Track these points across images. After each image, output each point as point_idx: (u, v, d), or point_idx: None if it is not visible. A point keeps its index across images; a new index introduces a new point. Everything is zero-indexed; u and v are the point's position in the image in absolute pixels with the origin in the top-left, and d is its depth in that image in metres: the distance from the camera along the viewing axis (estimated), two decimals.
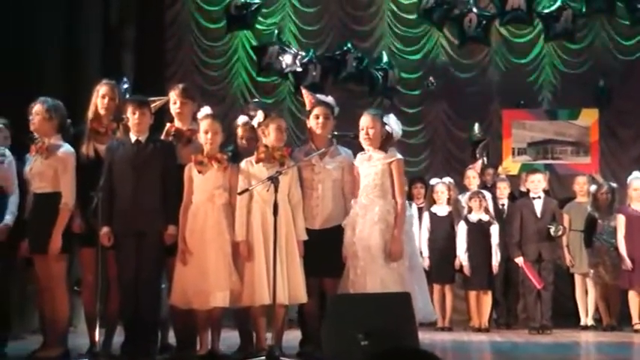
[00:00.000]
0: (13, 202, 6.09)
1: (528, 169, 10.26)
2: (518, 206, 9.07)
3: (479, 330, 8.86)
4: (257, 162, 5.88)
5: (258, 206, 5.81)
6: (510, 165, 11.18)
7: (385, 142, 6.02)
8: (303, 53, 11.45)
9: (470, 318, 9.15)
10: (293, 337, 6.43)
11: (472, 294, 9.03)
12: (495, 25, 11.59)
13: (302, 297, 5.81)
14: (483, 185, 9.68)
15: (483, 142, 11.00)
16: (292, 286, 5.73)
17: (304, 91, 6.80)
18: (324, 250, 5.87)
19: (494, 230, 8.95)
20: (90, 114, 6.11)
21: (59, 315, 5.99)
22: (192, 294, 5.77)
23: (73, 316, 6.30)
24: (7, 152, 6.19)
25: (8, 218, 6.01)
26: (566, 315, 9.47)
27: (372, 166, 5.96)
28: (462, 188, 9.59)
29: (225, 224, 5.83)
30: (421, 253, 8.32)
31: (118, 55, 11.21)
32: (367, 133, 5.99)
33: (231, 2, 11.57)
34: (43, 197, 5.93)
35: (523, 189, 9.37)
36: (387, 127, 6.04)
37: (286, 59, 11.34)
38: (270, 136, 5.91)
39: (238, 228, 5.79)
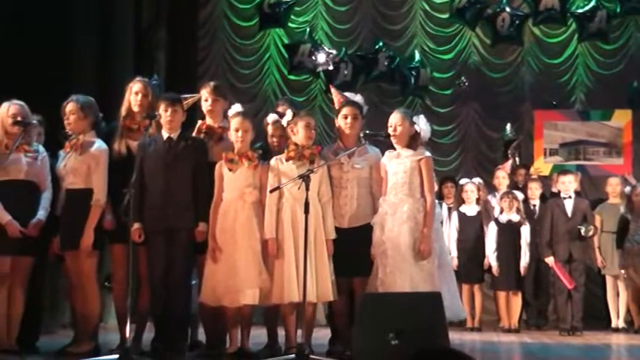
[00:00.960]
0: (46, 198, 6.13)
1: (560, 170, 10.18)
2: (549, 206, 9.02)
3: (509, 331, 8.83)
4: (287, 160, 5.89)
5: (289, 204, 5.82)
6: (542, 166, 11.10)
7: (412, 141, 6.01)
8: (335, 52, 11.45)
9: (499, 318, 9.11)
10: (322, 335, 6.44)
11: (501, 294, 9.00)
12: (528, 24, 11.52)
13: (330, 295, 5.80)
14: (514, 186, 9.64)
15: (515, 143, 10.94)
16: (320, 284, 5.73)
17: (333, 90, 6.80)
18: (353, 248, 5.87)
19: (525, 231, 8.91)
20: (123, 111, 6.15)
21: (90, 311, 6.03)
22: (222, 291, 5.78)
23: (103, 312, 6.34)
24: (41, 148, 6.24)
25: (41, 214, 6.05)
26: (597, 317, 9.41)
27: (400, 163, 5.95)
28: (492, 188, 9.55)
29: (256, 222, 5.84)
30: (449, 252, 8.29)
31: (151, 52, 11.30)
32: (395, 130, 5.99)
33: (264, 0, 11.60)
34: (75, 193, 5.97)
35: (554, 190, 9.31)
36: (415, 127, 6.03)
37: (319, 58, 11.34)
38: (298, 134, 5.92)
39: (267, 226, 5.80)
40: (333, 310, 6.22)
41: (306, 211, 5.55)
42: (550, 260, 8.78)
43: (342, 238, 5.88)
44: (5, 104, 6.08)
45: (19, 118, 6.02)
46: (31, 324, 6.39)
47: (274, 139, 6.29)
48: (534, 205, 9.40)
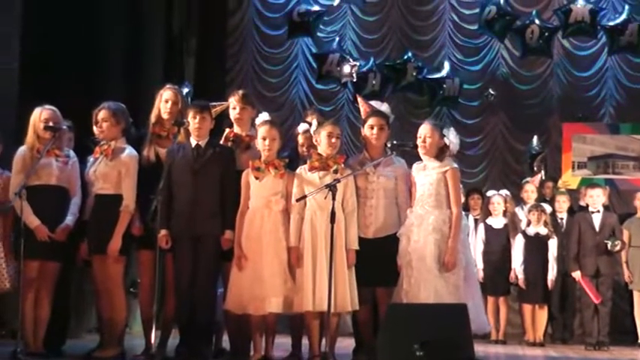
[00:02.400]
0: (75, 203, 6.16)
1: (588, 183, 10.11)
2: (577, 220, 8.96)
3: (534, 344, 8.78)
4: (310, 170, 5.90)
5: (310, 213, 5.82)
6: (570, 179, 11.03)
7: (441, 153, 5.99)
8: (362, 62, 11.45)
9: (525, 332, 9.06)
10: (347, 345, 6.43)
11: (527, 307, 8.95)
12: (558, 37, 11.45)
13: (348, 305, 5.78)
14: (542, 198, 9.59)
15: (541, 156, 10.89)
16: (339, 294, 5.71)
17: (360, 100, 6.80)
18: (378, 259, 5.86)
19: (553, 244, 8.86)
20: (152, 118, 6.19)
21: (116, 316, 6.06)
22: (247, 299, 5.79)
23: (128, 317, 6.37)
24: (72, 153, 6.28)
25: (69, 219, 6.08)
26: (624, 332, 9.31)
27: (427, 175, 5.94)
28: (519, 201, 9.51)
29: (282, 231, 5.85)
30: (475, 264, 8.26)
31: (180, 60, 11.38)
32: (424, 142, 5.97)
33: (293, 9, 11.63)
34: (104, 199, 6.01)
35: (582, 203, 9.25)
36: (445, 140, 6.01)
37: (344, 69, 11.34)
38: (321, 144, 5.93)
39: (292, 234, 5.81)
40: (357, 320, 6.21)
41: (332, 220, 5.56)
42: (577, 274, 8.72)
43: (366, 249, 5.87)
44: (38, 109, 6.13)
45: (50, 123, 6.06)
46: (58, 328, 6.43)
47: (304, 149, 6.29)
48: (562, 219, 9.34)
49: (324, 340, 5.81)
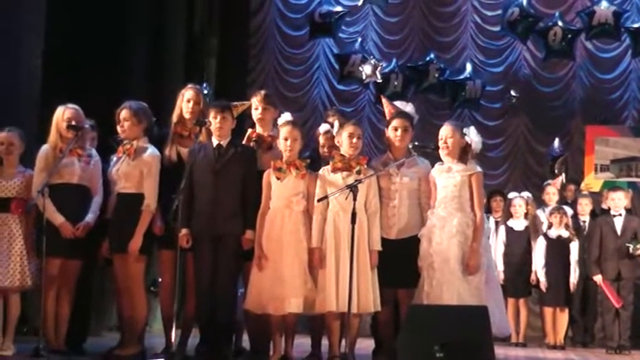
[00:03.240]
0: (96, 202, 6.19)
1: (610, 186, 10.04)
2: (598, 223, 8.90)
3: (554, 347, 8.73)
4: (333, 171, 5.89)
5: (332, 214, 5.82)
6: (592, 181, 10.97)
7: (463, 153, 5.98)
8: (384, 63, 11.43)
9: (545, 334, 9.01)
10: (366, 345, 6.43)
11: (548, 310, 8.91)
12: (581, 39, 11.39)
13: (371, 306, 5.77)
14: (563, 201, 9.54)
15: (562, 158, 10.83)
16: (361, 295, 5.71)
17: (384, 101, 6.78)
18: (399, 260, 5.85)
19: (574, 247, 8.82)
20: (174, 117, 6.20)
21: (137, 314, 6.08)
22: (267, 299, 5.79)
23: (148, 316, 6.39)
24: (94, 152, 6.31)
25: (90, 217, 6.11)
26: None
27: (450, 177, 5.92)
28: (540, 203, 9.47)
29: (303, 231, 5.84)
30: (496, 266, 8.23)
31: (202, 60, 11.42)
32: (445, 142, 5.96)
33: (315, 10, 11.64)
34: (126, 198, 6.03)
35: (604, 206, 9.19)
36: (466, 139, 5.99)
37: (366, 69, 11.33)
38: (343, 144, 5.92)
39: (314, 235, 5.81)
40: (377, 320, 6.20)
41: (353, 221, 5.55)
42: (598, 278, 8.66)
43: (388, 250, 5.85)
44: (60, 108, 6.16)
45: (73, 123, 6.09)
46: (79, 326, 6.47)
47: (325, 149, 6.29)
48: (584, 222, 9.29)
49: (343, 341, 5.80)
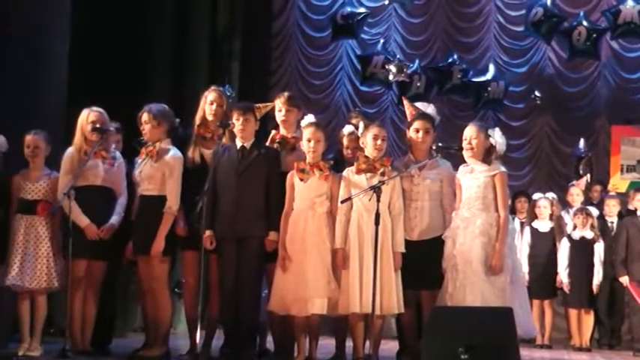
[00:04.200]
0: (120, 203, 6.23)
1: (637, 186, 9.96)
2: (625, 224, 8.83)
3: (580, 349, 8.67)
4: (357, 172, 5.88)
5: (356, 215, 5.82)
6: (618, 182, 10.89)
7: (488, 154, 5.95)
8: (409, 64, 11.41)
9: (570, 336, 8.95)
10: (391, 347, 6.41)
11: (573, 312, 8.85)
12: (606, 38, 11.30)
13: (395, 308, 5.77)
14: (589, 202, 9.47)
15: (586, 159, 10.76)
16: (385, 296, 5.70)
17: (405, 102, 6.78)
18: (422, 261, 5.84)
19: (599, 248, 8.75)
20: (197, 119, 6.22)
21: (161, 316, 6.10)
22: (290, 300, 5.80)
23: (173, 317, 6.41)
24: (118, 155, 6.34)
25: (114, 219, 6.15)
26: None
27: (474, 178, 5.90)
28: (565, 204, 9.41)
29: (326, 232, 5.85)
30: (520, 267, 8.18)
31: (225, 62, 11.45)
32: (470, 144, 5.94)
33: (338, 12, 11.64)
34: (149, 200, 6.05)
35: (631, 207, 9.11)
36: (491, 140, 5.97)
37: (392, 69, 11.28)
38: (367, 146, 5.91)
39: (338, 236, 5.81)
40: (401, 322, 6.19)
41: (377, 222, 5.55)
42: (625, 279, 8.59)
43: (411, 251, 5.85)
44: (85, 111, 6.20)
45: (98, 125, 6.13)
46: (105, 327, 6.51)
47: (349, 151, 6.28)
48: (612, 223, 9.22)
49: (367, 343, 5.80)
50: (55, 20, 8.02)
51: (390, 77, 11.04)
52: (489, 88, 11.27)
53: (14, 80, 7.67)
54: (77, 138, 6.17)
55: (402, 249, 5.82)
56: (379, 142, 5.89)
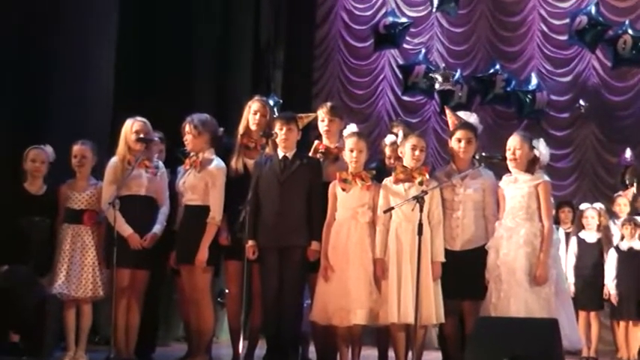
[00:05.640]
0: (163, 213, 6.25)
1: None
2: None
3: None
4: (395, 182, 5.87)
5: (395, 225, 5.80)
6: None
7: (531, 165, 5.91)
8: (454, 72, 11.35)
9: (617, 349, 8.83)
10: (433, 358, 6.38)
11: (620, 324, 8.72)
12: None
13: (433, 318, 5.74)
14: (636, 212, 9.34)
15: (631, 168, 10.61)
16: (424, 306, 5.67)
17: (448, 112, 6.75)
18: (464, 271, 5.81)
19: None
20: (241, 129, 6.25)
21: (204, 325, 6.12)
22: (332, 310, 5.79)
23: (215, 327, 6.43)
24: (161, 164, 6.38)
25: (157, 228, 6.17)
26: None
27: (518, 188, 5.86)
28: (612, 215, 9.29)
29: (368, 242, 5.84)
30: (566, 278, 8.09)
31: (268, 71, 11.51)
32: (514, 154, 5.90)
33: (380, 21, 11.63)
34: (192, 210, 6.08)
35: None
36: (535, 151, 5.92)
37: (439, 78, 11.22)
38: (405, 156, 5.90)
39: (378, 246, 5.80)
40: (443, 332, 6.15)
41: (420, 232, 5.52)
42: None
43: (453, 261, 5.82)
44: (129, 121, 6.24)
45: (142, 135, 6.17)
46: (148, 336, 6.55)
47: (391, 161, 6.27)
48: None
49: (410, 353, 5.77)
50: (102, 31, 8.13)
51: (437, 86, 10.98)
52: (533, 98, 11.17)
53: (61, 90, 7.78)
54: (121, 147, 6.22)
55: (441, 258, 5.80)
56: (417, 152, 5.88)
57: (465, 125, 6.14)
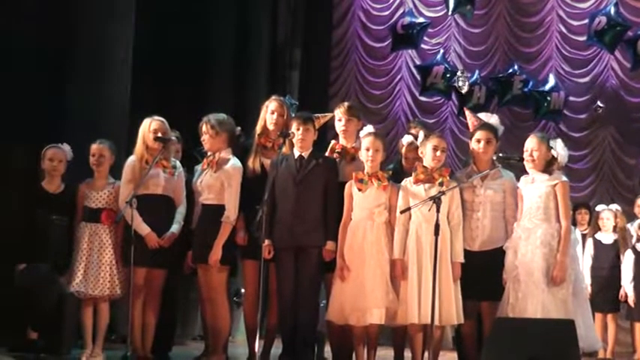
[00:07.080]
0: (180, 212, 6.27)
1: None
2: None
3: None
4: (415, 183, 5.86)
5: (415, 226, 5.79)
6: None
7: (548, 166, 5.89)
8: (468, 74, 11.34)
9: (635, 351, 8.79)
10: (449, 358, 6.37)
11: (637, 326, 8.68)
12: None
13: (454, 318, 5.73)
14: None
15: None
16: (444, 307, 5.66)
17: (467, 113, 6.72)
18: (483, 272, 5.80)
19: None
20: (258, 129, 6.25)
21: (221, 324, 6.13)
22: (349, 310, 5.79)
23: (231, 326, 6.44)
24: (178, 164, 6.39)
25: (175, 227, 6.18)
26: None
27: (535, 188, 5.84)
28: (630, 217, 9.24)
29: (384, 242, 5.83)
30: (583, 280, 8.05)
31: (285, 71, 11.53)
32: (531, 155, 5.88)
33: (398, 22, 11.62)
34: (209, 209, 6.09)
35: None
36: (552, 152, 5.90)
37: (462, 80, 11.17)
38: (426, 156, 5.89)
39: (396, 246, 5.79)
40: (460, 333, 6.14)
41: (437, 233, 5.51)
42: None
43: (472, 262, 5.80)
44: (147, 120, 6.26)
45: (160, 134, 6.18)
46: (165, 335, 6.56)
47: (408, 161, 6.26)
48: None
49: (426, 353, 5.76)
50: (119, 31, 8.16)
51: (464, 87, 10.92)
52: (550, 99, 11.13)
53: (79, 90, 7.82)
54: (139, 147, 6.23)
55: (461, 259, 5.79)
56: (438, 153, 5.87)
57: (484, 126, 6.13)
